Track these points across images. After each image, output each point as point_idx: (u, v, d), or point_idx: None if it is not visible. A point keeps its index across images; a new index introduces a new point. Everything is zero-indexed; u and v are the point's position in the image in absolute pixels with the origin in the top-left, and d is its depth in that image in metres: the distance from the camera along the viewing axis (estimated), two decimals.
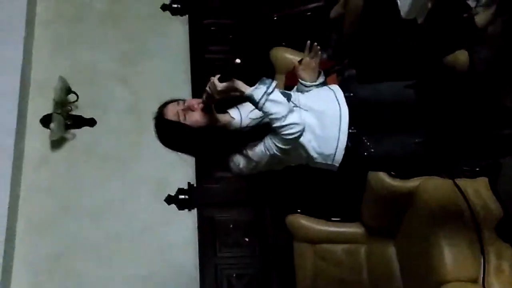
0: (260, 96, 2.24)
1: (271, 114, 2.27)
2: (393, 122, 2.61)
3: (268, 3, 4.50)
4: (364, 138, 2.54)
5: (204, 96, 2.32)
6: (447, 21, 3.42)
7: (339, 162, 2.48)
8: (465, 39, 3.43)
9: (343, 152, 2.47)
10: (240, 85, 2.27)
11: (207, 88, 2.29)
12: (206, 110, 2.34)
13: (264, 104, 2.25)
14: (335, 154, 2.48)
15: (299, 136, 2.33)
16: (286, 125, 2.29)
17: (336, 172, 2.59)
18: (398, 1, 3.39)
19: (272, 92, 2.27)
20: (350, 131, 2.50)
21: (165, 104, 2.45)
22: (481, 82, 3.37)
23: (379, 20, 3.67)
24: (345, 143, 2.46)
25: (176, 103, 2.42)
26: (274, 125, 2.27)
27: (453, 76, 3.46)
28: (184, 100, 2.43)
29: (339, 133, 2.48)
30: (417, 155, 2.61)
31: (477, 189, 3.30)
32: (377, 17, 3.68)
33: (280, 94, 2.33)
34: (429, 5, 3.30)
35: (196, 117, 2.34)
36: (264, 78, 2.33)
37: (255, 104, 2.27)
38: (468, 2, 3.27)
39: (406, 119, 2.61)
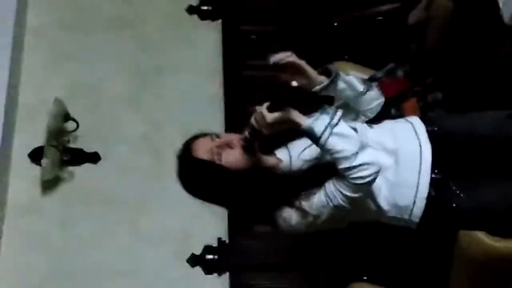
0: (322, 130, 2.22)
1: (337, 152, 2.25)
2: (493, 165, 2.58)
3: (326, 5, 4.49)
4: (452, 185, 2.51)
5: (247, 131, 2.30)
6: None
7: (419, 217, 2.47)
8: None
9: (424, 204, 2.46)
10: (296, 115, 2.25)
11: (252, 121, 2.28)
12: (248, 149, 2.34)
13: (327, 139, 2.23)
14: (413, 206, 2.47)
15: (374, 180, 2.31)
16: (357, 166, 2.26)
17: (416, 230, 2.56)
18: (500, 3, 3.38)
19: (337, 123, 2.26)
20: (434, 176, 2.49)
21: (194, 138, 2.46)
22: None
23: (474, 27, 3.63)
24: (426, 192, 2.46)
25: (209, 138, 2.43)
26: (341, 166, 2.25)
27: None
28: (218, 135, 2.44)
29: (418, 178, 2.48)
30: None
31: None
32: (471, 23, 3.63)
33: (347, 126, 2.32)
34: None
35: (235, 157, 2.34)
36: (326, 105, 2.31)
37: (316, 140, 2.26)
38: None
39: (509, 160, 2.57)
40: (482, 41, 3.60)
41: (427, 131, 2.60)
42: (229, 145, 2.40)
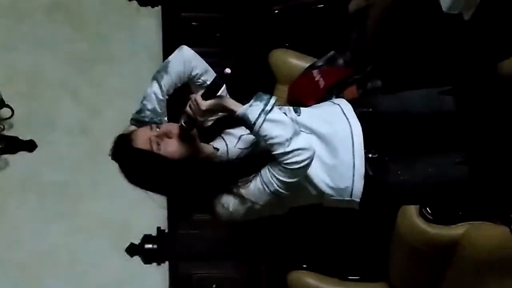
0: (256, 116, 2.26)
1: (272, 138, 2.28)
2: (428, 141, 2.68)
3: None
4: (389, 163, 2.60)
5: (183, 119, 2.33)
6: (502, 17, 3.35)
7: (360, 197, 2.53)
8: None
9: (362, 183, 2.53)
10: (230, 102, 2.30)
11: (188, 108, 2.31)
12: (185, 137, 2.36)
13: (261, 125, 2.27)
14: (352, 186, 2.53)
15: (309, 164, 2.34)
16: (291, 151, 2.28)
17: (358, 210, 2.64)
18: None
19: (271, 110, 2.30)
20: (370, 155, 2.56)
21: (131, 131, 2.50)
22: None
23: (413, 15, 3.60)
24: (363, 171, 2.53)
25: (148, 127, 2.43)
26: (276, 152, 2.28)
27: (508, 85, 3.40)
28: (157, 124, 2.46)
29: (353, 158, 2.53)
30: (460, 181, 2.66)
31: None
32: (410, 11, 3.60)
33: (281, 112, 2.37)
34: None
35: (173, 147, 2.35)
36: (261, 93, 2.36)
37: (250, 126, 2.29)
38: None
39: (442, 135, 2.69)
40: (420, 29, 3.59)
41: (361, 112, 2.65)
42: (167, 135, 2.41)
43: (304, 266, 3.59)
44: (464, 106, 2.86)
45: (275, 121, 2.31)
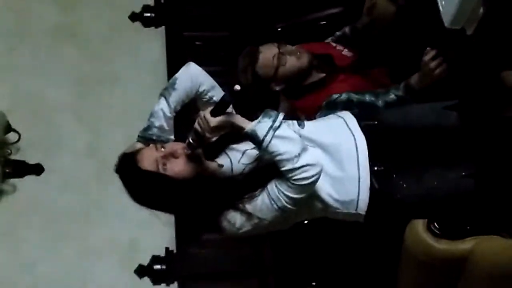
0: (264, 133, 2.25)
1: (280, 154, 2.28)
2: (432, 154, 2.66)
3: (270, 10, 4.46)
4: (395, 176, 2.58)
5: (190, 136, 2.32)
6: (505, 32, 3.37)
7: (365, 210, 2.52)
8: None
9: (368, 196, 2.52)
10: (239, 119, 2.29)
11: (196, 125, 2.30)
12: (192, 157, 2.36)
13: (270, 142, 2.26)
14: (358, 199, 2.51)
15: (317, 180, 2.33)
16: (299, 167, 2.28)
17: (364, 223, 2.61)
18: (441, 7, 3.20)
19: (279, 126, 2.29)
20: (376, 168, 2.55)
21: (139, 148, 2.49)
22: None
23: (416, 30, 3.54)
24: (369, 184, 2.51)
25: (153, 147, 2.43)
26: (284, 168, 2.27)
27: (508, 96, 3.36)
28: (163, 143, 2.46)
29: (358, 171, 2.53)
30: (466, 194, 2.63)
31: None
32: (413, 27, 3.55)
33: (289, 128, 2.37)
34: (481, 10, 3.10)
35: (180, 166, 2.35)
36: (268, 109, 2.35)
37: (259, 143, 2.28)
38: None
39: (448, 149, 2.66)
40: (424, 43, 3.53)
41: (366, 125, 2.64)
42: (173, 155, 2.40)
43: (314, 283, 3.80)
44: (469, 120, 2.81)
45: (284, 137, 2.31)
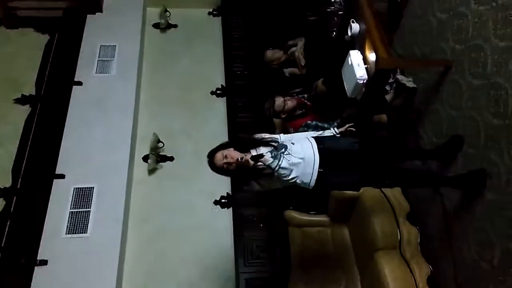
0: (274, 167, 3.39)
1: (281, 175, 3.43)
2: (345, 164, 3.66)
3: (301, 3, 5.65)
4: (327, 174, 3.61)
5: (241, 159, 3.42)
6: (373, 98, 4.60)
7: (312, 186, 3.65)
8: (383, 107, 4.83)
9: (314, 182, 3.62)
10: (263, 161, 3.31)
11: (247, 160, 3.37)
12: (239, 162, 3.44)
13: (278, 171, 3.42)
14: (310, 182, 3.63)
15: (291, 179, 3.48)
16: (291, 179, 3.49)
17: (310, 190, 3.70)
18: (346, 87, 4.29)
19: (281, 163, 3.39)
20: (320, 170, 3.59)
21: (214, 152, 3.57)
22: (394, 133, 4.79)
23: (333, 99, 4.90)
24: (316, 176, 3.60)
25: (221, 153, 3.49)
26: (285, 179, 3.48)
27: (378, 128, 4.71)
28: (225, 150, 3.51)
29: (313, 169, 3.57)
30: (358, 182, 3.77)
31: (394, 194, 4.86)
32: (332, 97, 4.92)
33: (287, 162, 3.40)
34: (363, 89, 4.17)
35: (233, 167, 3.50)
36: (277, 153, 3.42)
37: (272, 171, 3.38)
38: (386, 88, 4.69)
39: (353, 162, 3.67)
40: (339, 103, 4.71)
41: (318, 147, 3.57)
42: (231, 159, 3.44)
43: (291, 207, 5.55)
44: (363, 147, 3.75)
45: (283, 168, 3.35)
